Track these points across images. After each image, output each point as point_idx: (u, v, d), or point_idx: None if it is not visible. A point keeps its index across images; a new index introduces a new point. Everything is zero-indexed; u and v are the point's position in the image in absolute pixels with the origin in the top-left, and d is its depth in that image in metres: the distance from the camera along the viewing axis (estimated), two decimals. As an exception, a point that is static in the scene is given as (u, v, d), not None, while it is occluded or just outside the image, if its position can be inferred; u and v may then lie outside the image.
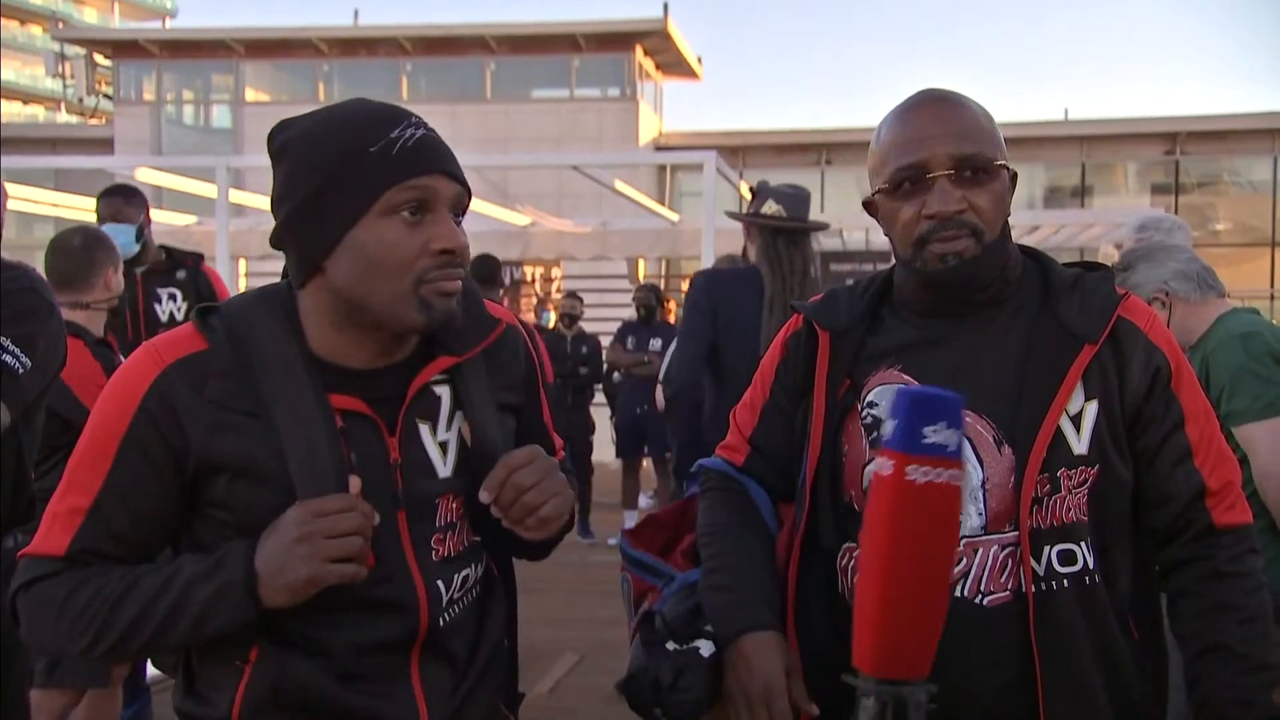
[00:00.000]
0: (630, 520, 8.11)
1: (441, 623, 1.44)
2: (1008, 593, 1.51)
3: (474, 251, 1.95)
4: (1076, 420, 1.54)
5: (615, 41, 24.94)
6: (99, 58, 28.30)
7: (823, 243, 14.33)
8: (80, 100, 31.30)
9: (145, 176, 10.24)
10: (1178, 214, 3.48)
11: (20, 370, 2.14)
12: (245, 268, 12.87)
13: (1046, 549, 1.52)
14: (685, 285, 4.48)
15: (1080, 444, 1.53)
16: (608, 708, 4.34)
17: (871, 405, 1.61)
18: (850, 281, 1.79)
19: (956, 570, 1.51)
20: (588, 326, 9.08)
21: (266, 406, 1.35)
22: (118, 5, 48.30)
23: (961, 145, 1.54)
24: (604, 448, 9.15)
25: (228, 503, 1.37)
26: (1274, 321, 2.87)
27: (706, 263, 7.64)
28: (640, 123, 24.51)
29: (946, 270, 1.55)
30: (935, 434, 1.27)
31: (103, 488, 1.36)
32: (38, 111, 44.64)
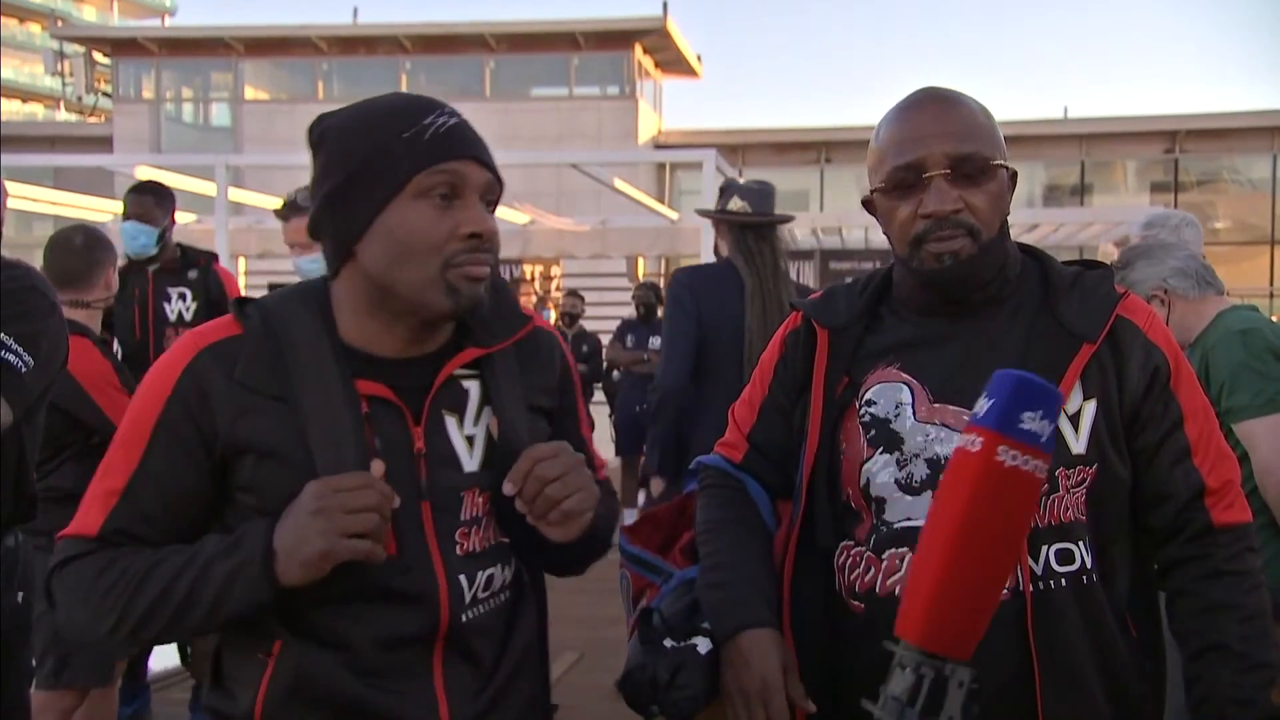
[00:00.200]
0: (629, 518, 8.09)
1: (464, 619, 1.42)
2: (1005, 591, 1.51)
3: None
4: (1075, 419, 1.54)
5: (615, 40, 24.94)
6: (98, 56, 28.29)
7: (823, 241, 14.33)
8: (79, 98, 31.28)
9: (144, 175, 10.24)
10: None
11: (23, 369, 2.14)
12: (244, 266, 12.87)
13: (1044, 548, 1.52)
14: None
15: (1078, 443, 1.53)
16: (607, 706, 4.34)
17: (869, 404, 1.61)
18: (850, 280, 1.79)
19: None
20: (587, 325, 9.09)
21: (294, 391, 1.37)
22: (117, 3, 48.27)
23: (958, 144, 1.54)
24: (603, 446, 9.12)
25: (253, 485, 1.38)
26: (1273, 319, 2.87)
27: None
28: (640, 121, 24.51)
29: (943, 270, 1.55)
30: (1032, 421, 1.26)
31: (136, 470, 1.38)
32: (37, 110, 44.64)
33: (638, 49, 25.05)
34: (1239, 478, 1.61)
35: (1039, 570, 1.52)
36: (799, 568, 1.66)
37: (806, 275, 10.82)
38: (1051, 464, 1.49)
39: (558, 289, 13.25)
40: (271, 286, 4.74)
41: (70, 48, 29.82)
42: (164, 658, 4.69)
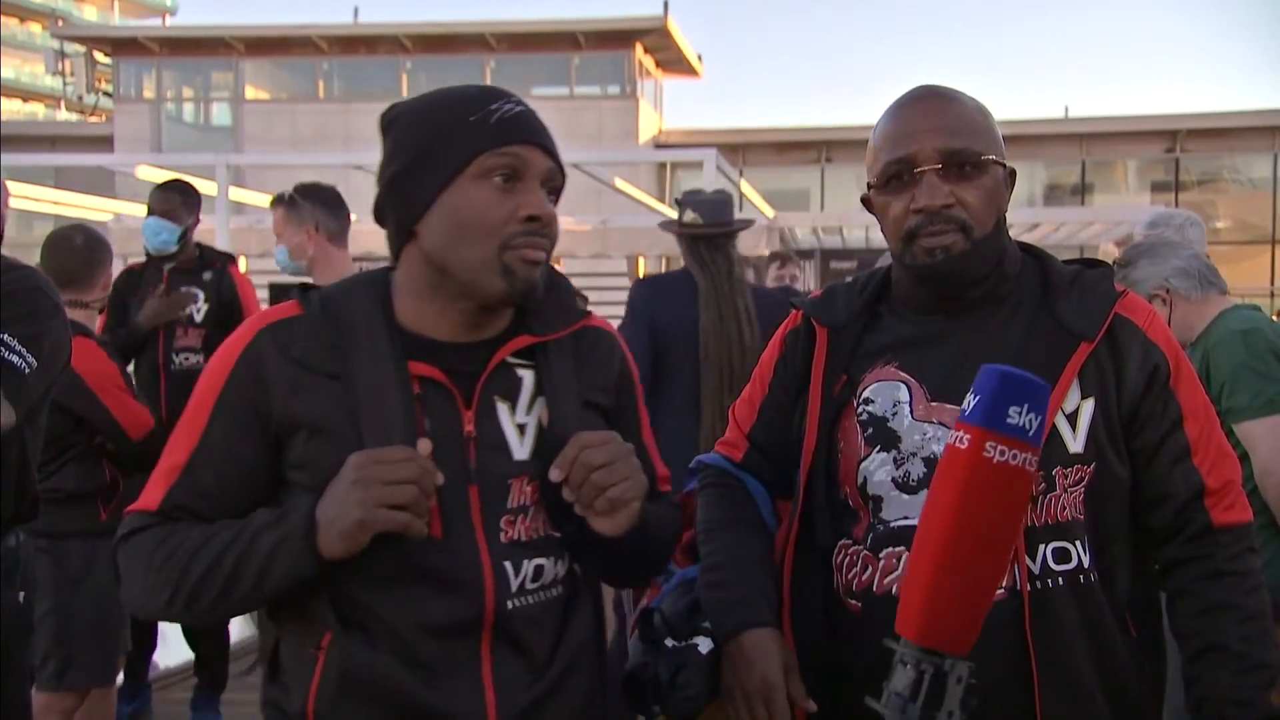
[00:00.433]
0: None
1: (510, 607, 1.42)
2: (1002, 590, 1.51)
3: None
4: (1072, 418, 1.54)
5: (615, 39, 24.94)
6: (99, 55, 28.29)
7: (823, 240, 14.34)
8: (80, 98, 31.29)
9: (145, 174, 10.24)
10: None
11: (26, 370, 2.15)
12: (245, 265, 12.87)
13: (1041, 547, 1.52)
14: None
15: (1076, 442, 1.53)
16: (608, 705, 4.34)
17: (867, 402, 1.61)
18: (850, 279, 1.79)
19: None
20: (587, 324, 9.06)
21: (349, 369, 1.39)
22: (117, 3, 48.28)
23: (950, 140, 1.54)
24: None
25: (304, 463, 1.39)
26: (1275, 318, 2.86)
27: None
28: (640, 120, 24.51)
29: (934, 265, 1.56)
30: (1019, 416, 1.26)
31: (197, 446, 1.42)
32: (37, 109, 44.65)
33: (638, 48, 25.05)
34: (1240, 477, 1.61)
35: (1036, 569, 1.52)
36: (799, 566, 1.66)
37: (807, 275, 10.83)
38: (1049, 463, 1.50)
39: (558, 288, 13.21)
40: (271, 286, 4.74)
41: (71, 47, 29.83)
42: (165, 657, 4.70)
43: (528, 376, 1.48)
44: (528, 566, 1.44)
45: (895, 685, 1.28)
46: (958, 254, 1.55)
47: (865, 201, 1.65)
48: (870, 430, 1.60)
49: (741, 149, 24.93)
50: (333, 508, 1.32)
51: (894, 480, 1.57)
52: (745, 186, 14.30)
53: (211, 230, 9.64)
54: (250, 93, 26.57)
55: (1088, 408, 1.54)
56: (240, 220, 11.62)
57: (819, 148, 25.63)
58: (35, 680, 2.99)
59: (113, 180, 15.73)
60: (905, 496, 1.55)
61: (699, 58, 27.49)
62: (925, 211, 1.54)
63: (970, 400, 1.29)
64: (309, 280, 3.86)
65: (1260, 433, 2.51)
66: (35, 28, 46.07)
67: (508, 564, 1.42)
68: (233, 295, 4.29)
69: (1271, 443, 2.50)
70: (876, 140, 1.61)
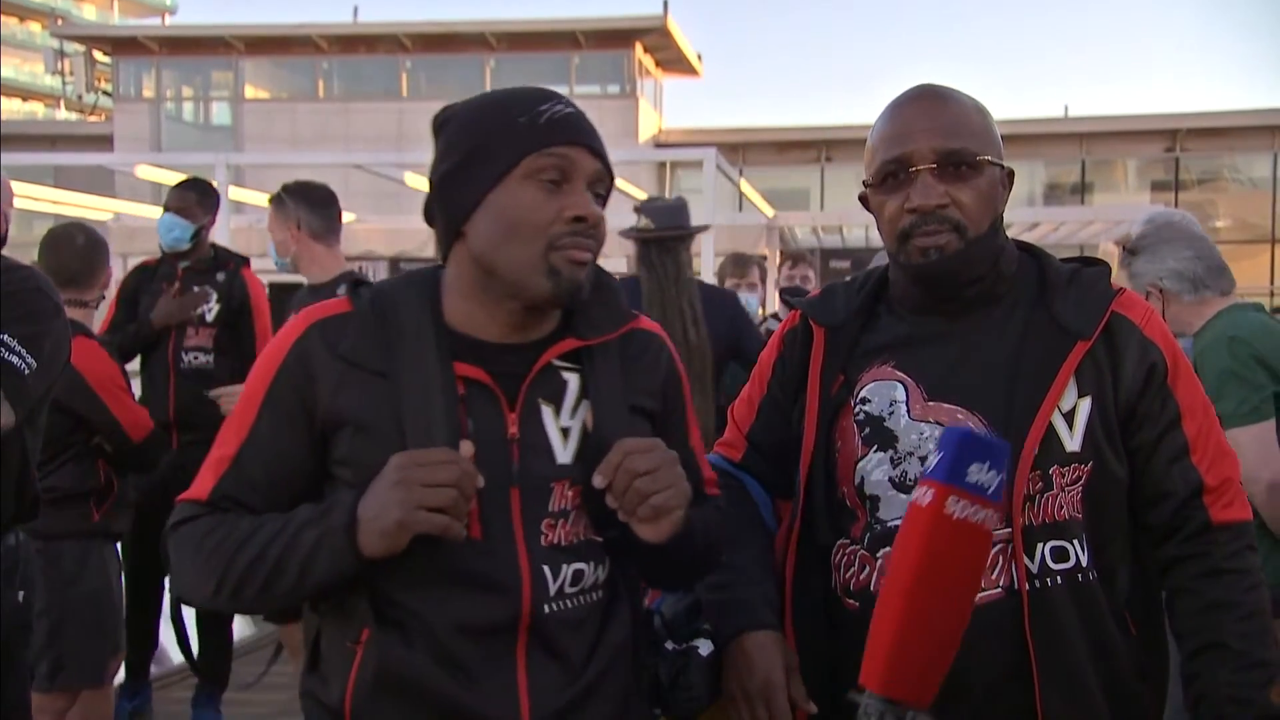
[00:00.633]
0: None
1: (547, 610, 1.41)
2: (999, 589, 1.51)
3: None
4: (1069, 417, 1.54)
5: (615, 38, 24.93)
6: (98, 54, 28.30)
7: (823, 240, 14.33)
8: (80, 97, 31.31)
9: (145, 173, 10.24)
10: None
11: (27, 371, 2.15)
12: (245, 265, 12.85)
13: (1039, 546, 1.52)
14: (722, 287, 4.62)
15: (1073, 441, 1.53)
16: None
17: (864, 402, 1.61)
18: (849, 278, 1.79)
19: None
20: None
21: (395, 368, 1.40)
22: (117, 2, 48.27)
23: (945, 140, 1.55)
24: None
25: (349, 459, 1.40)
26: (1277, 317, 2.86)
27: (707, 260, 7.65)
28: (640, 120, 24.51)
29: (928, 264, 1.56)
30: (979, 473, 1.31)
31: (246, 439, 1.43)
32: (37, 108, 44.65)
33: (638, 48, 25.04)
34: (1239, 475, 1.60)
35: (1034, 568, 1.52)
36: (799, 566, 1.66)
37: (808, 274, 10.81)
38: (1046, 462, 1.50)
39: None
40: (271, 286, 4.74)
41: (70, 46, 29.83)
42: (166, 657, 4.70)
43: (573, 379, 1.48)
44: (567, 571, 1.43)
45: None
46: (951, 254, 1.55)
47: (863, 200, 1.66)
48: (867, 430, 1.60)
49: (741, 148, 24.93)
50: (373, 507, 1.32)
51: (891, 480, 1.57)
52: (745, 186, 14.29)
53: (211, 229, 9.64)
54: (250, 92, 26.57)
55: (1085, 406, 1.54)
56: (240, 220, 11.60)
57: (819, 147, 25.63)
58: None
59: (112, 179, 15.73)
60: (902, 496, 1.55)
61: (699, 57, 27.50)
62: (919, 211, 1.55)
63: (933, 458, 1.33)
64: (304, 280, 3.90)
65: (1246, 440, 2.51)
66: (35, 27, 46.07)
67: (546, 568, 1.42)
68: (244, 298, 4.29)
69: (1258, 449, 2.50)
70: (874, 139, 1.62)
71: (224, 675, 4.23)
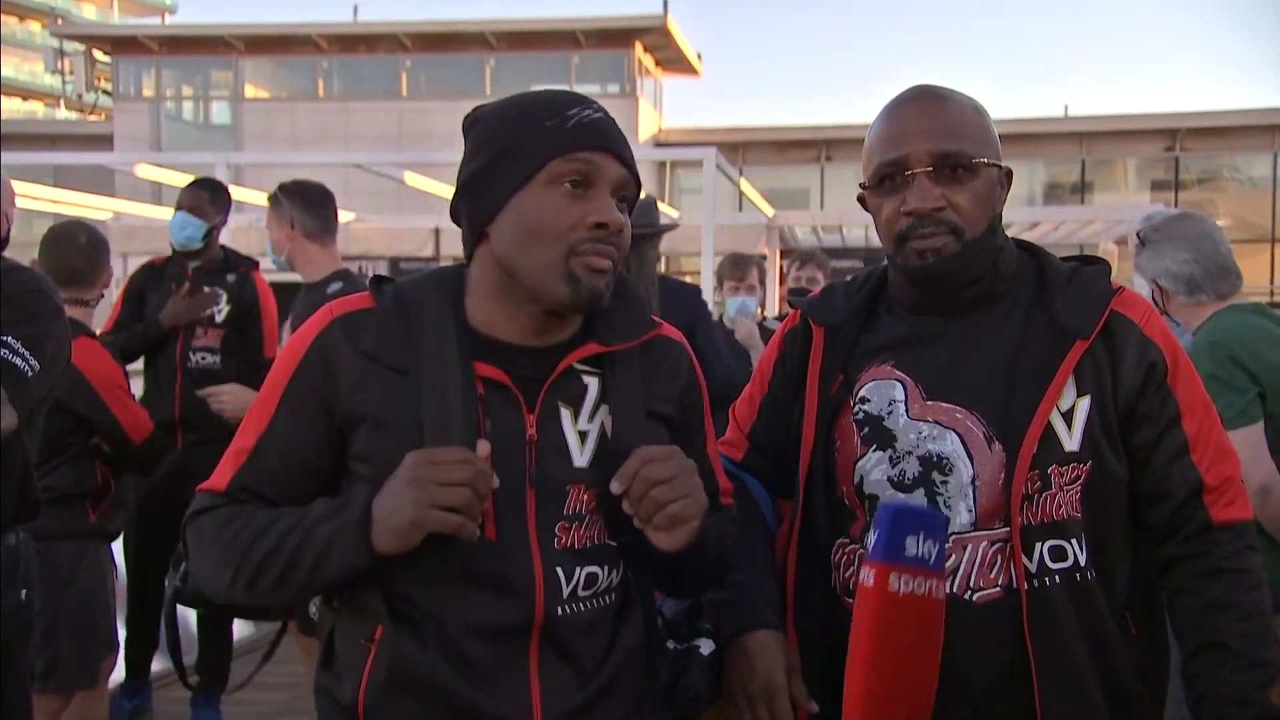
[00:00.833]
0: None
1: (560, 613, 1.41)
2: (998, 589, 1.51)
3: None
4: (1068, 416, 1.54)
5: (615, 38, 24.94)
6: (98, 54, 28.29)
7: (823, 239, 14.33)
8: (79, 96, 31.30)
9: (144, 173, 10.25)
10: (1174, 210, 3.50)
11: (29, 373, 2.15)
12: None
13: (1038, 545, 1.52)
14: (685, 281, 4.56)
15: (1072, 440, 1.53)
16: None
17: (863, 401, 1.61)
18: (850, 278, 1.79)
19: (946, 566, 1.52)
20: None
21: (415, 365, 1.40)
22: (117, 1, 48.25)
23: (942, 142, 1.55)
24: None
25: (366, 455, 1.40)
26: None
27: (706, 259, 7.65)
28: (640, 119, 24.49)
29: (925, 267, 1.56)
30: (917, 545, 1.34)
31: (265, 431, 1.44)
32: (37, 108, 44.64)
33: (638, 47, 25.05)
34: (1240, 474, 1.60)
35: (1033, 568, 1.52)
36: (800, 565, 1.66)
37: (815, 275, 10.80)
38: (1044, 461, 1.50)
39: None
40: (273, 285, 4.74)
41: (70, 46, 29.82)
42: (166, 656, 4.70)
43: (593, 384, 1.47)
44: (580, 574, 1.43)
45: None
46: (948, 256, 1.55)
47: (862, 201, 1.66)
48: (866, 429, 1.60)
49: (741, 148, 24.94)
50: (387, 505, 1.32)
51: (890, 479, 1.57)
52: (745, 185, 14.30)
53: (211, 229, 9.65)
54: (250, 91, 26.57)
55: (1084, 405, 1.54)
56: (240, 219, 11.61)
57: (819, 146, 25.64)
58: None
59: (112, 179, 15.74)
60: (901, 495, 1.55)
61: (699, 56, 27.51)
62: (916, 214, 1.55)
63: (870, 536, 1.36)
64: (300, 279, 3.90)
65: (1235, 444, 2.52)
66: (35, 26, 46.06)
67: (560, 570, 1.41)
68: (254, 300, 4.30)
69: (1247, 453, 2.50)
70: (871, 141, 1.61)
71: (224, 675, 4.23)
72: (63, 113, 39.90)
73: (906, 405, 1.58)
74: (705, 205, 8.67)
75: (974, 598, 1.51)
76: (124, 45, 27.02)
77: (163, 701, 4.40)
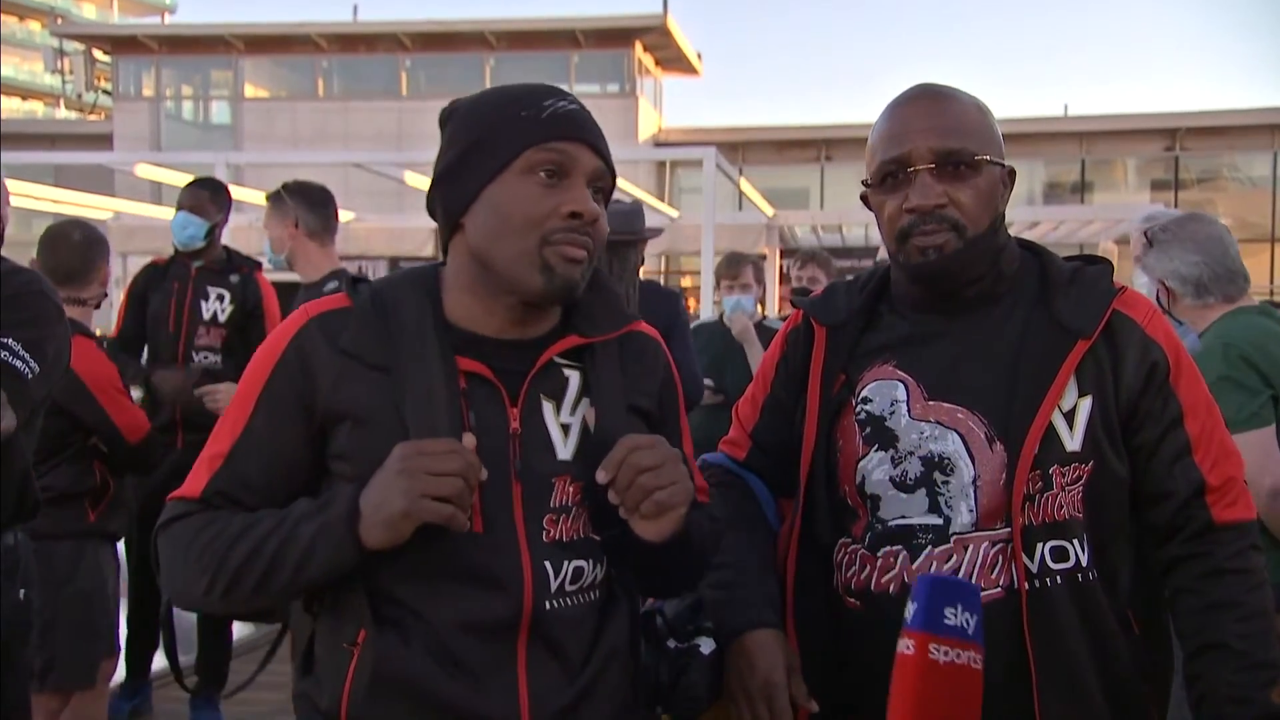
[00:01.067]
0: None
1: (548, 607, 1.40)
2: (999, 589, 1.51)
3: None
4: (1070, 416, 1.53)
5: (615, 37, 24.94)
6: (98, 53, 28.30)
7: (823, 239, 14.34)
8: (79, 96, 31.30)
9: (144, 172, 10.25)
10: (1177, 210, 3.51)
11: (29, 375, 2.14)
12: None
13: (1039, 545, 1.52)
14: (685, 281, 4.55)
15: (1073, 440, 1.53)
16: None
17: (865, 401, 1.61)
18: (851, 278, 1.79)
19: (946, 567, 1.52)
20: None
21: (395, 362, 1.39)
22: (117, 1, 48.25)
23: (944, 140, 1.55)
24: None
25: (347, 453, 1.39)
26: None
27: (706, 258, 7.65)
28: (640, 119, 24.51)
29: (926, 264, 1.56)
30: (955, 616, 1.35)
31: (241, 435, 1.42)
32: (36, 107, 44.65)
33: (638, 47, 25.05)
34: (1243, 474, 1.60)
35: (1034, 568, 1.51)
36: (801, 565, 1.66)
37: (817, 275, 10.80)
38: (1046, 461, 1.50)
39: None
40: (274, 285, 4.74)
41: (70, 45, 29.82)
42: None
43: (574, 377, 1.47)
44: (568, 567, 1.42)
45: None
46: (950, 254, 1.55)
47: (864, 199, 1.66)
48: (868, 429, 1.60)
49: (741, 147, 24.93)
50: (376, 496, 1.31)
51: (892, 479, 1.57)
52: (745, 185, 14.31)
53: (211, 228, 9.64)
54: (250, 91, 26.57)
55: (1085, 405, 1.54)
56: (239, 219, 11.60)
57: (818, 146, 25.64)
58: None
59: (112, 178, 15.73)
60: (903, 496, 1.56)
61: (698, 56, 27.51)
62: (918, 211, 1.55)
63: (910, 608, 1.38)
64: (299, 280, 3.90)
65: (1245, 446, 2.51)
66: (34, 25, 46.06)
67: (548, 564, 1.41)
68: (257, 301, 4.30)
69: (1257, 455, 2.50)
70: (873, 139, 1.62)
71: (223, 675, 4.23)
72: (63, 112, 39.90)
73: (908, 405, 1.58)
74: (705, 205, 8.67)
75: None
76: (124, 45, 27.02)
77: (163, 701, 4.39)
